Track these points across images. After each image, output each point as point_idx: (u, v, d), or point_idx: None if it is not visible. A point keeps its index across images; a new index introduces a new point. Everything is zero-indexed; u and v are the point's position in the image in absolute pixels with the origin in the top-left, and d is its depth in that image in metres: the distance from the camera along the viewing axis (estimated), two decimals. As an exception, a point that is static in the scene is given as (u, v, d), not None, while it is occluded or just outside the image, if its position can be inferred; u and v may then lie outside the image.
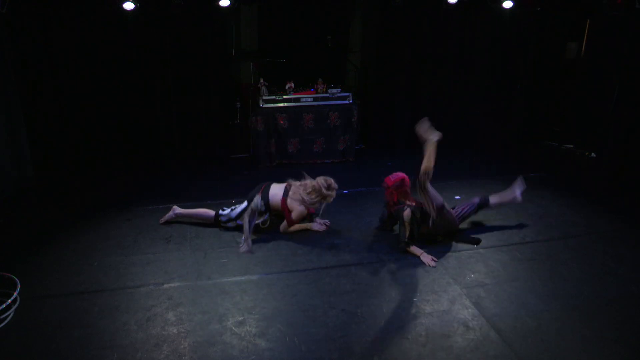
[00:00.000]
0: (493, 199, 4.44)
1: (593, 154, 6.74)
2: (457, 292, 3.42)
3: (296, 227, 4.40)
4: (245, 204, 4.36)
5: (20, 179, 5.58)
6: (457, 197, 5.08)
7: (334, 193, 4.32)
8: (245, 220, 4.03)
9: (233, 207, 4.44)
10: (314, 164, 6.64)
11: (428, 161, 3.76)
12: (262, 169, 6.49)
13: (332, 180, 4.33)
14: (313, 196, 4.28)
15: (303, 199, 4.30)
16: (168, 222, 4.59)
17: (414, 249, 3.95)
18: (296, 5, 7.25)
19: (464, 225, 4.47)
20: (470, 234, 4.32)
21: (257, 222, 4.30)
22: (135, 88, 6.67)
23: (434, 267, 3.75)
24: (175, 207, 4.63)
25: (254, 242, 4.08)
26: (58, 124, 6.23)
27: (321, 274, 3.68)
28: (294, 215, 4.35)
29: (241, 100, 7.47)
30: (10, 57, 5.43)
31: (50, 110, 6.11)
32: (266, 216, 4.45)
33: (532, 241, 4.20)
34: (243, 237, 3.98)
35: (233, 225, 4.43)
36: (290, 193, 4.36)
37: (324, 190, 4.25)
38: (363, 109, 7.44)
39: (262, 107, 6.46)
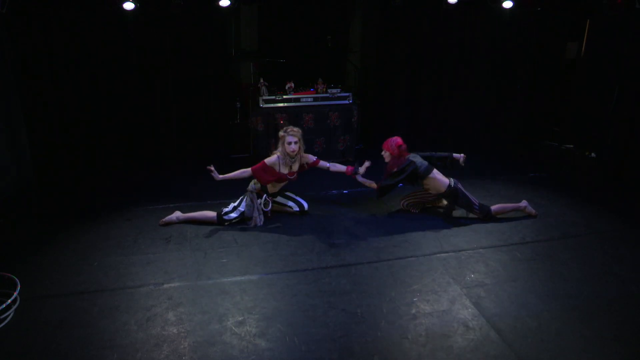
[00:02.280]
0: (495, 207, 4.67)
1: (593, 154, 6.74)
2: (457, 292, 3.42)
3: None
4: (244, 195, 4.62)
5: (20, 179, 5.58)
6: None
7: (288, 132, 4.51)
8: (247, 201, 4.50)
9: (234, 204, 4.62)
10: (314, 164, 6.64)
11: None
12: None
13: (290, 127, 4.62)
14: (279, 147, 4.56)
15: (277, 153, 4.57)
16: (168, 224, 4.59)
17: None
18: (296, 5, 7.25)
19: (464, 225, 4.50)
20: (471, 233, 4.33)
21: (259, 201, 4.57)
22: (135, 88, 6.67)
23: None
24: (177, 212, 4.66)
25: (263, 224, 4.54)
26: (58, 124, 6.22)
27: (321, 274, 3.68)
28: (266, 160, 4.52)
29: (241, 100, 7.47)
30: (10, 57, 5.42)
31: (51, 110, 6.10)
32: (264, 196, 4.60)
33: (532, 241, 4.20)
34: (253, 215, 4.48)
35: (237, 215, 4.54)
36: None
37: (281, 133, 4.55)
38: (363, 109, 7.45)
39: (262, 107, 6.45)
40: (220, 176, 4.47)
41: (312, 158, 4.73)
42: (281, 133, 4.53)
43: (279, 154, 4.53)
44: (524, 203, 4.71)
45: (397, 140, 4.61)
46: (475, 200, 4.57)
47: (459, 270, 3.72)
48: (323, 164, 4.76)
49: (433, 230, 4.44)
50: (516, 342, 2.87)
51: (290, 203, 4.79)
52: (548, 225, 4.52)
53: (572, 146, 7.22)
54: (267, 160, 4.49)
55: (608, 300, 3.30)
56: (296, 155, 4.55)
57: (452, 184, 4.55)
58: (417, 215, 4.80)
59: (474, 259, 3.89)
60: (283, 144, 4.49)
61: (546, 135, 7.57)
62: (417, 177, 4.54)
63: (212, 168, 4.44)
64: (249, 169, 4.46)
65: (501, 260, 3.87)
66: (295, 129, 4.56)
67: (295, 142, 4.48)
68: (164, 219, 4.59)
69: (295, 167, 4.63)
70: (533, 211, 4.68)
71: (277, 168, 4.51)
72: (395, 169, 4.54)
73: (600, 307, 3.23)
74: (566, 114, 7.42)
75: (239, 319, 3.13)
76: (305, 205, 4.81)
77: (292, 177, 4.63)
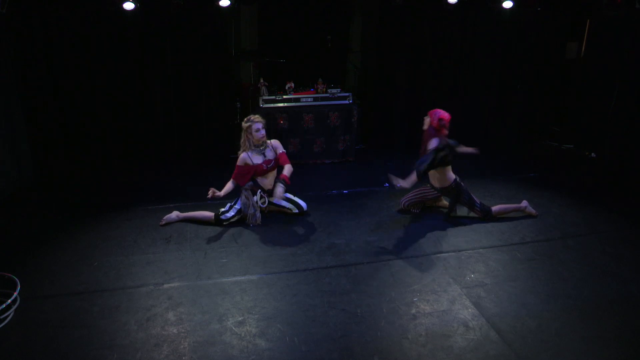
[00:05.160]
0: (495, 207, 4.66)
1: (593, 154, 6.74)
2: (457, 292, 3.42)
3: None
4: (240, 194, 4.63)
5: (20, 179, 5.58)
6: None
7: (252, 120, 4.48)
8: (243, 199, 4.51)
9: (230, 203, 4.62)
10: (314, 164, 6.64)
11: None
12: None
13: (251, 116, 4.56)
14: (244, 141, 4.53)
15: (243, 145, 4.54)
16: (168, 223, 4.59)
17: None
18: (296, 5, 7.26)
19: (464, 225, 4.51)
20: (471, 233, 4.33)
21: (254, 198, 4.56)
22: (135, 88, 6.67)
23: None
24: (176, 211, 4.68)
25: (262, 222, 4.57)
26: (58, 124, 6.23)
27: (321, 274, 3.68)
28: (237, 162, 4.54)
29: (241, 100, 7.47)
30: (10, 57, 5.43)
31: (50, 110, 6.10)
32: (259, 192, 4.59)
33: (532, 241, 4.20)
34: (249, 212, 4.51)
35: (234, 213, 4.54)
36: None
37: (246, 124, 4.50)
38: (363, 109, 7.45)
39: (262, 107, 6.45)
40: (222, 192, 4.44)
41: (280, 149, 4.67)
42: (246, 124, 4.49)
43: (245, 150, 4.52)
44: (524, 203, 4.71)
45: (442, 114, 4.40)
46: (476, 199, 4.57)
47: (459, 270, 3.73)
48: (287, 167, 4.65)
49: (433, 230, 4.44)
50: (516, 342, 2.87)
51: (289, 205, 4.78)
52: (548, 225, 4.52)
53: (572, 146, 7.23)
54: (238, 162, 4.51)
55: (608, 300, 3.30)
56: (265, 141, 4.55)
57: (458, 179, 4.55)
58: (417, 215, 4.80)
59: (474, 259, 3.90)
60: (250, 133, 4.48)
61: (546, 135, 7.57)
62: (441, 164, 4.41)
63: (213, 189, 4.38)
64: (231, 180, 4.50)
65: (501, 260, 3.87)
66: (256, 115, 4.57)
67: (262, 127, 4.50)
68: (164, 219, 4.59)
69: (270, 155, 4.59)
70: (533, 211, 4.68)
71: (249, 162, 4.50)
72: (431, 146, 4.33)
73: (600, 307, 3.23)
74: (566, 114, 7.43)
75: (239, 319, 3.13)
76: (304, 205, 4.80)
77: (270, 166, 4.58)
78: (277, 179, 4.61)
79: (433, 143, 4.34)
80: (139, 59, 6.57)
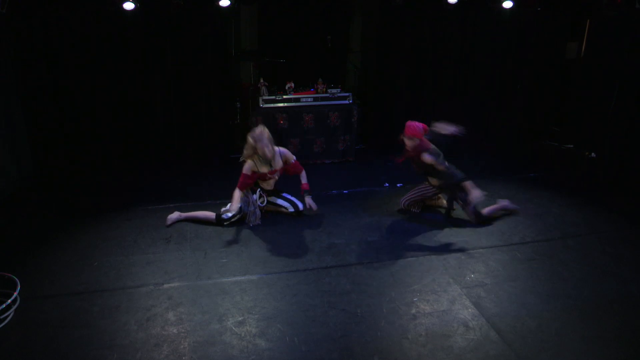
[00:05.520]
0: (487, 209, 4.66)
1: (593, 154, 6.74)
2: (457, 292, 3.42)
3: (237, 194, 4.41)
4: None
5: (20, 179, 5.58)
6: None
7: (260, 143, 4.35)
8: (243, 197, 4.48)
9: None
10: (314, 164, 6.64)
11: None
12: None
13: (258, 130, 4.41)
14: (246, 151, 4.46)
15: (247, 160, 4.47)
16: (173, 223, 4.59)
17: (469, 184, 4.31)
18: (296, 5, 7.26)
19: (464, 225, 4.50)
20: (471, 233, 4.32)
21: (254, 196, 4.60)
22: (135, 88, 6.67)
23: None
24: (177, 212, 4.69)
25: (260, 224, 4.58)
26: (58, 124, 6.22)
27: (321, 274, 3.68)
28: (243, 170, 4.45)
29: (241, 100, 7.47)
30: (10, 57, 5.43)
31: (50, 110, 6.11)
32: (258, 191, 4.63)
33: (532, 241, 4.20)
34: (249, 210, 4.54)
35: (235, 212, 4.47)
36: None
37: (249, 139, 4.40)
38: (363, 109, 7.45)
39: (262, 107, 6.45)
40: (234, 205, 4.36)
41: (291, 158, 4.67)
42: (253, 142, 4.37)
43: (251, 160, 4.45)
44: (504, 202, 4.75)
45: (420, 125, 4.45)
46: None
47: (459, 270, 3.73)
48: (302, 175, 4.72)
49: (433, 230, 4.45)
50: (516, 342, 2.87)
51: (286, 204, 4.78)
52: (548, 225, 4.52)
53: (572, 146, 7.22)
54: (245, 171, 4.44)
55: (608, 300, 3.30)
56: (273, 155, 4.50)
57: None
58: (417, 215, 4.80)
59: (474, 259, 3.90)
60: (258, 149, 4.38)
61: (546, 135, 7.57)
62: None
63: (226, 209, 4.46)
64: (238, 189, 4.42)
65: (501, 260, 3.87)
66: (259, 130, 4.40)
67: (270, 143, 4.39)
68: (168, 219, 4.59)
69: (277, 164, 4.57)
70: (516, 207, 4.75)
71: (256, 170, 4.48)
72: (430, 161, 4.38)
73: (600, 307, 3.23)
74: (566, 114, 7.43)
75: (239, 319, 3.13)
76: (300, 205, 4.79)
77: (273, 175, 4.60)
78: (302, 190, 4.66)
79: (428, 159, 4.37)
80: (139, 59, 6.56)
